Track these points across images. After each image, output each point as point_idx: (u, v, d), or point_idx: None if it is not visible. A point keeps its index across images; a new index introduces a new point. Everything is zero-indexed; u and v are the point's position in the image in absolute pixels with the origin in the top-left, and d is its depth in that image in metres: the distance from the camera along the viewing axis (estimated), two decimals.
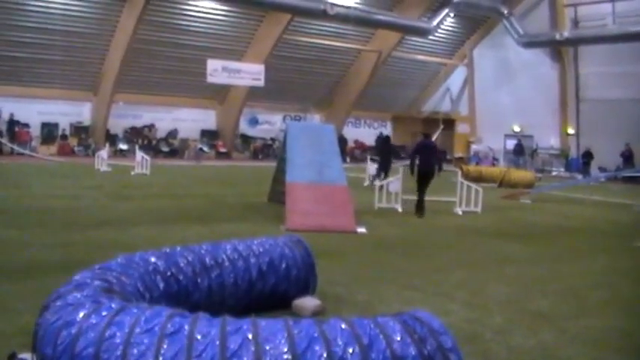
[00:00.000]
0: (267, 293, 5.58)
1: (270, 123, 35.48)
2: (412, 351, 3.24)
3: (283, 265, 5.69)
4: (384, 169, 18.62)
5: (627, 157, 30.21)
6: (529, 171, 26.75)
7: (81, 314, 3.44)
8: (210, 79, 29.58)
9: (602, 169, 30.70)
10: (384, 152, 19.70)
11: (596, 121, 32.69)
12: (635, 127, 30.83)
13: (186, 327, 3.24)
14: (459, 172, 15.84)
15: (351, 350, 3.16)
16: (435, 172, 13.48)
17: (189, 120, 32.82)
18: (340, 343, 3.19)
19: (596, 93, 33.20)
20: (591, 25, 32.73)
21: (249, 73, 30.56)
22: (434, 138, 33.66)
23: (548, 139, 34.99)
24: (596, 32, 31.71)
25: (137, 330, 3.26)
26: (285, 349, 3.12)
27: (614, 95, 31.77)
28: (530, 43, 33.76)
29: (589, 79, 33.86)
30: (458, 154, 37.03)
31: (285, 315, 4.16)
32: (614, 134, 30.92)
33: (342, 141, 31.46)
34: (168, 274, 4.86)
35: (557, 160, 34.60)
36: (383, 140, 24.14)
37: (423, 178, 13.35)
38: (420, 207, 13.33)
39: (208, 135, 33.43)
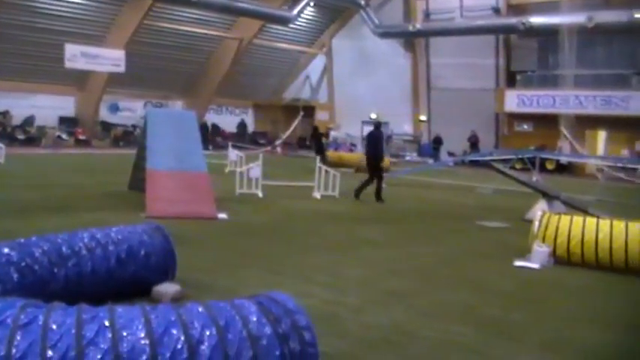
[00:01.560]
0: (127, 281, 5.52)
1: (131, 110, 34.40)
2: (268, 330, 3.39)
3: (142, 253, 5.64)
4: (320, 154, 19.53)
5: (473, 143, 32.40)
6: (386, 156, 27.81)
7: None
8: (68, 65, 28.39)
9: (450, 154, 32.62)
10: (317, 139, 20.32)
11: (446, 108, 34.75)
12: (480, 115, 33.17)
13: (41, 317, 3.17)
14: (318, 158, 16.27)
15: (208, 332, 3.25)
16: (382, 159, 14.48)
17: (46, 107, 30.95)
18: (197, 326, 3.26)
19: (445, 82, 35.28)
20: (441, 18, 34.66)
21: (109, 58, 29.66)
22: (293, 126, 34.31)
23: (402, 126, 36.69)
24: (445, 25, 33.65)
25: None
26: (143, 335, 3.14)
27: (462, 85, 33.94)
28: (385, 34, 35.20)
29: (439, 69, 35.89)
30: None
31: (145, 302, 4.16)
32: (461, 121, 33.03)
33: (204, 128, 31.21)
34: (23, 264, 4.69)
35: (410, 145, 36.35)
36: (314, 128, 25.59)
37: (371, 166, 14.37)
38: (377, 193, 14.32)
39: (67, 122, 31.82)
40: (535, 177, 17.71)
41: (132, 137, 31.36)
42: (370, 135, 15.04)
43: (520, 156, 21.24)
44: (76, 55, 28.48)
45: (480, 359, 4.76)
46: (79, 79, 31.42)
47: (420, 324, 5.54)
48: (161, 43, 32.26)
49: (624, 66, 29.95)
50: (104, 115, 33.54)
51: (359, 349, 4.83)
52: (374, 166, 14.44)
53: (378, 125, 15.10)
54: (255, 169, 14.39)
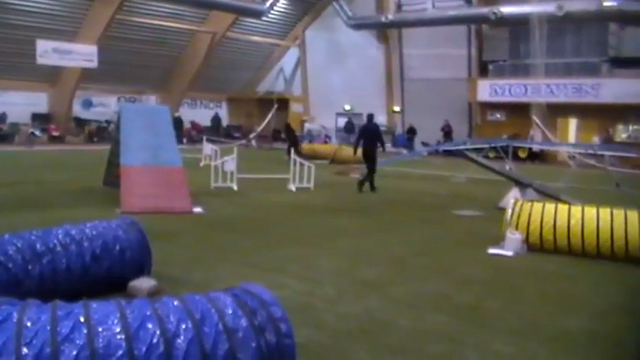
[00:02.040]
0: (102, 277, 5.51)
1: (104, 105, 34.05)
2: (244, 322, 3.41)
3: (117, 248, 5.63)
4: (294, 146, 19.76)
5: (447, 133, 32.60)
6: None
7: None
8: (40, 61, 27.94)
9: (424, 144, 32.78)
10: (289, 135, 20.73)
11: (419, 99, 34.92)
12: (453, 105, 33.39)
13: (15, 315, 3.15)
14: (292, 150, 16.29)
15: (184, 326, 3.26)
16: (375, 151, 14.95)
17: (19, 103, 30.52)
18: (173, 320, 3.27)
19: (418, 73, 35.43)
20: (413, 9, 34.76)
21: (82, 54, 29.26)
22: (268, 119, 34.23)
23: (377, 117, 36.67)
24: (417, 16, 33.73)
25: None
26: (118, 330, 3.15)
27: (435, 75, 34.11)
28: (358, 25, 35.21)
29: (412, 60, 36.01)
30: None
31: (121, 297, 4.15)
32: (435, 111, 33.22)
33: (178, 122, 30.99)
34: None
35: (384, 136, 36.38)
36: (286, 125, 25.80)
37: (366, 157, 14.86)
38: (371, 184, 14.78)
39: (40, 119, 31.37)
40: (508, 165, 17.90)
41: (106, 133, 31.06)
42: (365, 128, 15.43)
43: (493, 145, 21.40)
44: (47, 51, 28.08)
45: (454, 347, 4.82)
46: (52, 75, 31.01)
47: (396, 313, 5.60)
48: (134, 37, 31.94)
49: (594, 54, 30.37)
50: (77, 111, 33.15)
51: (335, 339, 4.87)
52: (371, 158, 14.85)
53: (371, 118, 15.66)
54: (230, 163, 14.37)
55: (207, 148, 20.18)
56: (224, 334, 3.31)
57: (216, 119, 38.05)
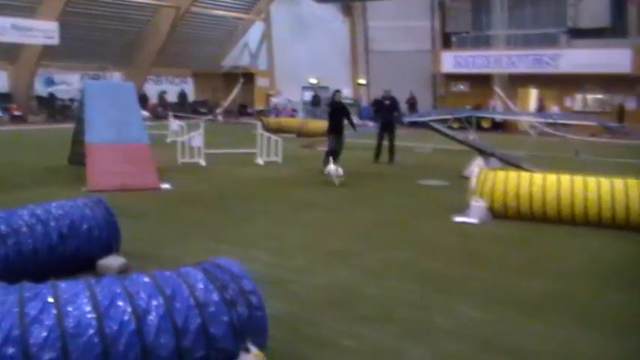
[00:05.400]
0: (70, 256, 5.47)
1: (67, 83, 33.29)
2: (215, 297, 3.44)
3: (85, 227, 5.59)
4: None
5: (412, 104, 32.78)
6: (325, 121, 27.95)
7: None
8: None
9: None
10: None
11: (384, 71, 34.93)
12: (417, 77, 33.56)
13: None
14: (259, 124, 16.25)
15: (155, 302, 3.28)
16: (394, 123, 15.76)
17: None
18: (144, 296, 3.29)
19: (383, 46, 35.44)
20: None
21: (42, 30, 28.42)
22: (234, 93, 33.96)
23: (342, 90, 36.68)
24: None
25: None
26: (89, 309, 3.14)
27: (399, 47, 34.17)
28: None
29: (376, 33, 35.99)
30: (258, 107, 37.63)
31: (90, 276, 4.14)
32: (400, 83, 33.20)
33: (143, 98, 30.60)
34: None
35: (351, 109, 36.44)
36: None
37: (383, 129, 15.60)
38: (390, 154, 15.45)
39: (0, 98, 30.57)
40: (472, 135, 18.11)
41: (69, 111, 30.45)
42: (380, 103, 16.58)
43: (457, 116, 21.63)
44: (6, 28, 27.26)
45: (422, 312, 4.94)
46: (11, 53, 30.12)
47: (365, 283, 5.70)
48: (96, 13, 31.16)
49: (553, 25, 30.75)
50: (39, 89, 32.39)
51: (306, 310, 4.95)
52: (390, 131, 15.50)
53: (389, 96, 16.27)
54: (197, 138, 14.30)
55: (174, 124, 19.98)
56: (196, 309, 3.34)
57: (182, 95, 37.64)
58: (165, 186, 10.77)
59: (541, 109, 28.89)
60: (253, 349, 3.43)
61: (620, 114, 27.80)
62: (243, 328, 3.45)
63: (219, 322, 3.38)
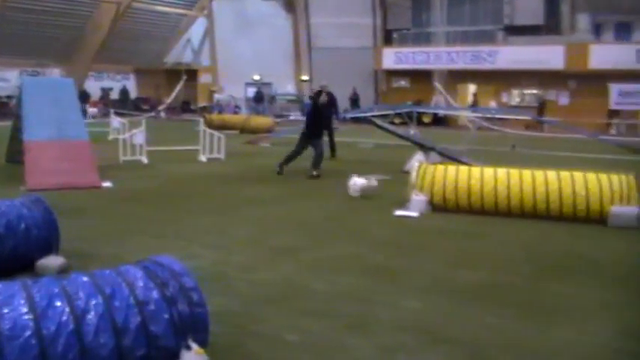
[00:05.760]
0: (7, 257, 5.32)
1: (4, 80, 32.26)
2: (155, 294, 3.42)
3: (22, 226, 5.45)
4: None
5: (354, 100, 33.08)
6: (268, 117, 28.01)
7: None
8: None
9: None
10: None
11: (327, 68, 35.11)
12: (359, 73, 33.88)
13: None
14: (202, 121, 16.14)
15: (94, 302, 3.23)
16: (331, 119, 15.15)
17: None
18: (82, 296, 3.24)
19: (325, 42, 35.66)
20: None
21: None
22: (176, 90, 33.55)
23: (285, 86, 36.82)
24: None
25: None
26: (25, 310, 3.08)
27: (342, 44, 34.42)
28: None
29: (319, 29, 36.17)
30: (201, 103, 37.32)
31: (28, 277, 4.05)
32: (343, 80, 33.54)
33: (84, 95, 29.88)
34: None
35: (293, 105, 36.62)
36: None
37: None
38: (332, 150, 15.25)
39: None
40: (412, 130, 18.39)
41: (7, 108, 29.51)
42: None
43: (398, 111, 21.91)
44: None
45: (367, 306, 5.01)
46: None
47: (309, 277, 5.74)
48: (34, 8, 30.34)
49: (490, 22, 31.54)
50: None
51: (250, 306, 4.95)
52: (329, 128, 14.79)
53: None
54: (139, 135, 14.11)
55: (115, 121, 19.61)
56: (135, 308, 3.31)
57: (123, 92, 36.96)
58: (107, 184, 10.58)
59: (475, 104, 29.62)
60: (195, 347, 3.43)
61: (541, 109, 28.65)
62: (184, 325, 3.43)
63: (160, 320, 3.36)
